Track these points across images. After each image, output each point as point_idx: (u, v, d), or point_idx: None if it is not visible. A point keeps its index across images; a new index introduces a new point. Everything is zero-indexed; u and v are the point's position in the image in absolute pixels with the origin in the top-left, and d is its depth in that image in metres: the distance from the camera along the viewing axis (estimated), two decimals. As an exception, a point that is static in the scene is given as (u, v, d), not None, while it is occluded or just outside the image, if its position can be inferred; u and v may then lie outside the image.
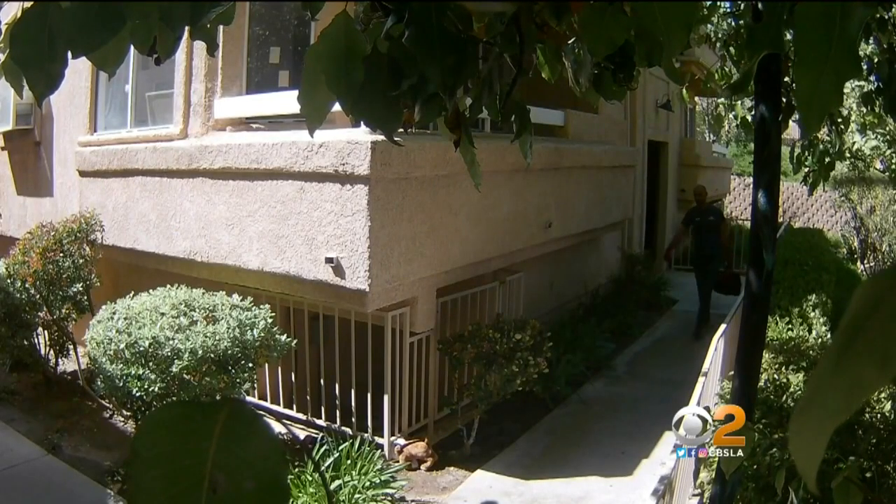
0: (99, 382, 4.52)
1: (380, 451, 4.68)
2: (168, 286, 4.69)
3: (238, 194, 4.87)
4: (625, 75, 1.56)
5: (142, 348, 4.11)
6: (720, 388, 4.31)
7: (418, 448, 4.79)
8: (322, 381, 5.22)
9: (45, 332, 5.72)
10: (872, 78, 4.26)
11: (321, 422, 5.13)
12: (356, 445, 4.58)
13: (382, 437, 4.82)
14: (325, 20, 1.21)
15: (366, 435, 4.79)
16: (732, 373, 2.98)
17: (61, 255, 5.35)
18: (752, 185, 2.67)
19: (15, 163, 7.69)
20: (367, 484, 4.17)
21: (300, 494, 4.00)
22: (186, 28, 1.06)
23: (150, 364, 4.12)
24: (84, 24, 0.94)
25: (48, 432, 4.94)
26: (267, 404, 5.25)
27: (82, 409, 5.41)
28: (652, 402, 5.79)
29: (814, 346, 4.74)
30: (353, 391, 5.02)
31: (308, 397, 5.31)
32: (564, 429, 5.45)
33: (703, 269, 8.19)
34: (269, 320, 4.52)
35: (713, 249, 8.05)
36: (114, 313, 4.45)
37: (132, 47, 1.08)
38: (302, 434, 5.11)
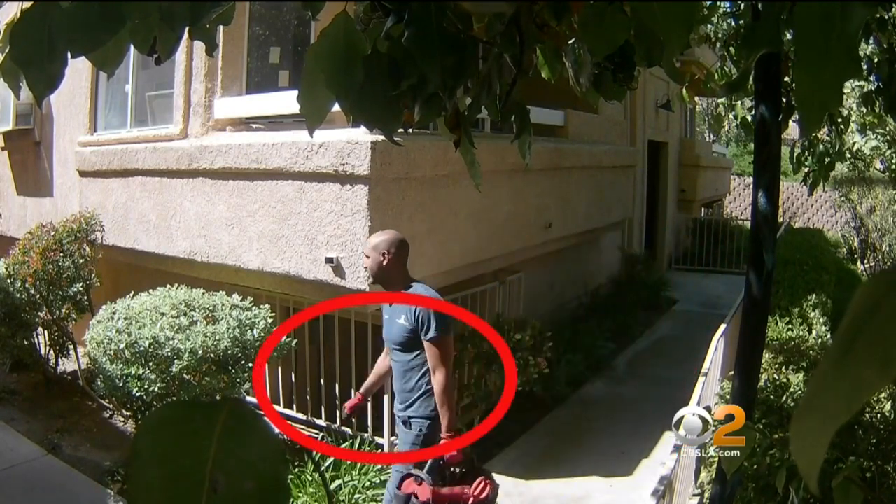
0: (99, 382, 4.52)
1: (380, 451, 4.68)
2: (168, 286, 4.69)
3: (238, 194, 4.87)
4: (625, 75, 1.56)
5: (142, 348, 4.11)
6: (720, 388, 4.31)
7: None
8: (322, 381, 5.22)
9: (45, 332, 5.72)
10: (872, 78, 4.27)
11: (321, 422, 5.13)
12: (356, 445, 4.58)
13: (382, 437, 4.82)
14: (326, 20, 1.21)
15: (366, 435, 4.79)
16: (732, 373, 2.98)
17: (61, 255, 5.35)
18: (752, 185, 2.67)
19: (15, 163, 7.70)
20: (367, 484, 4.17)
21: (300, 494, 4.00)
22: (186, 28, 1.06)
23: (150, 364, 4.12)
24: (84, 24, 0.94)
25: (48, 432, 4.94)
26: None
27: (82, 409, 5.41)
28: (652, 402, 5.79)
29: (814, 346, 4.75)
30: (353, 391, 5.01)
31: (308, 397, 5.31)
32: (564, 429, 5.45)
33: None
34: (269, 320, 4.52)
35: (410, 398, 3.28)
36: (114, 313, 4.45)
37: (132, 47, 1.08)
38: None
